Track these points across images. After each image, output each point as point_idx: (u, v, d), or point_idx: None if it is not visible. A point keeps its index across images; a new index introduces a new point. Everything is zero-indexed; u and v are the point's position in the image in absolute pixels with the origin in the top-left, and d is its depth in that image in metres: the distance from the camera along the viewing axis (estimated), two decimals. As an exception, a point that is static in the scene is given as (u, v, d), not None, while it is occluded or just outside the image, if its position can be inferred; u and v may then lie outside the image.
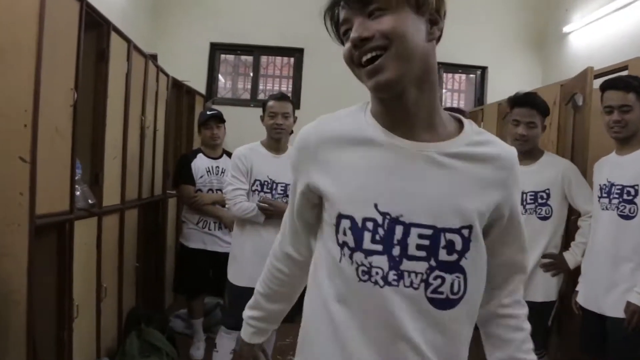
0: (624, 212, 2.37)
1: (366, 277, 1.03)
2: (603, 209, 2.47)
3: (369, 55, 1.02)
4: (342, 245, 1.06)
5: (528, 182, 2.71)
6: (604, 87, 2.46)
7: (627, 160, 2.42)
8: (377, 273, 1.03)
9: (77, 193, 2.60)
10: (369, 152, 1.07)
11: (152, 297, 4.00)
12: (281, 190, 2.90)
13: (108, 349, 3.06)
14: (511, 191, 1.12)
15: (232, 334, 2.89)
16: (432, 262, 1.03)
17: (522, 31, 6.12)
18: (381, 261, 1.03)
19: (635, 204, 2.33)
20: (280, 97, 3.02)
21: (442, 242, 1.03)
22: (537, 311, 2.35)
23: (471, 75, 6.40)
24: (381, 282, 1.03)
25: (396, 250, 1.02)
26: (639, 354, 2.27)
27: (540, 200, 2.74)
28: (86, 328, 2.78)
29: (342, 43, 1.09)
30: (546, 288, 2.73)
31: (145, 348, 3.11)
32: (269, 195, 2.88)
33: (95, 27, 2.79)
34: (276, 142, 2.97)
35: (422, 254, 1.03)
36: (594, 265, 2.51)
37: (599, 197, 2.51)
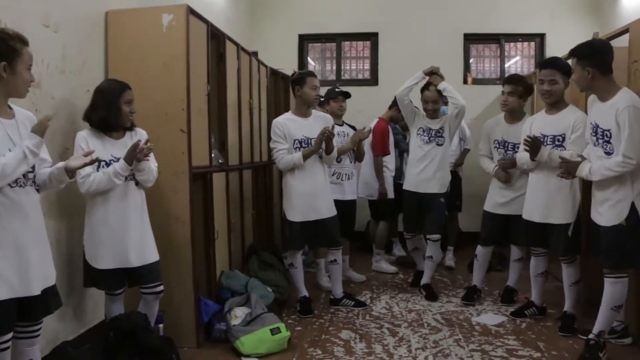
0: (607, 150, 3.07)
1: None
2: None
3: None
4: None
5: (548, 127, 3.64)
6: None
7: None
8: None
9: (212, 155, 3.79)
10: None
11: (264, 239, 5.20)
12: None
13: (236, 265, 4.28)
14: None
15: (299, 253, 4.17)
16: None
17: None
18: None
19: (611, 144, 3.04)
20: (315, 74, 4.10)
21: None
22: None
23: (532, 43, 7.08)
24: None
25: None
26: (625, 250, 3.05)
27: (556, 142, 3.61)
28: (223, 248, 4.02)
29: None
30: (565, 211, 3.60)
31: (262, 267, 4.30)
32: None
33: (215, 38, 3.94)
34: (308, 109, 4.10)
35: None
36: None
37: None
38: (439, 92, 4.39)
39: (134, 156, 2.81)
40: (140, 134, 3.04)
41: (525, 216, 3.80)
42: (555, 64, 3.62)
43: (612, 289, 3.09)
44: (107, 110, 2.86)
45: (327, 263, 4.39)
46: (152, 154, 3.03)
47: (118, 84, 2.93)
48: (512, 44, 7.17)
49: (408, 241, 4.84)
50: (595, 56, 3.05)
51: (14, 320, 2.20)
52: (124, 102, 2.88)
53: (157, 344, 2.81)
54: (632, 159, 2.89)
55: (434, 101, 4.45)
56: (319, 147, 4.00)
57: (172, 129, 3.30)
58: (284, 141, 4.01)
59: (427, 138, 4.46)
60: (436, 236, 4.49)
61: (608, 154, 3.04)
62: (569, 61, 3.33)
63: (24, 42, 2.21)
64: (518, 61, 7.29)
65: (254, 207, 4.87)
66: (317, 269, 4.93)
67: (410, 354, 3.36)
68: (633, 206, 3.01)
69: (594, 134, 3.14)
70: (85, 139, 2.84)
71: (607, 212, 3.08)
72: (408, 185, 4.61)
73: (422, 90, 4.50)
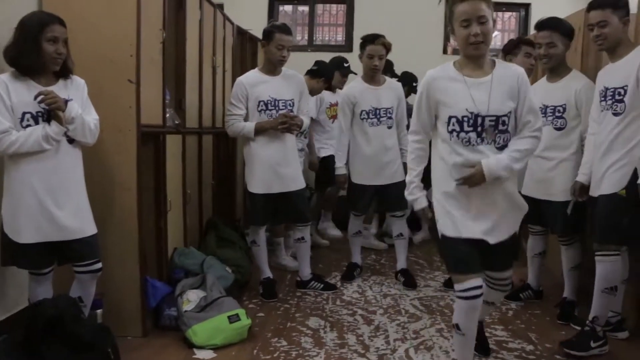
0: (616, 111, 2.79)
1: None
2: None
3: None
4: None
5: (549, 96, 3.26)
6: (587, 9, 2.90)
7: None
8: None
9: (167, 114, 3.29)
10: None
11: (225, 213, 4.71)
12: (282, 106, 3.57)
13: (192, 242, 3.80)
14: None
15: (262, 229, 3.71)
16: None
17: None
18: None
19: (624, 102, 2.75)
20: (288, 30, 3.57)
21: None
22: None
23: (515, 14, 6.71)
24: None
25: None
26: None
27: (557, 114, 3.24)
28: (176, 221, 3.53)
29: None
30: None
31: (221, 243, 3.83)
32: (273, 112, 3.56)
33: (174, -20, 3.42)
34: (275, 68, 3.62)
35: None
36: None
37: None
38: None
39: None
40: (77, 83, 2.52)
41: (523, 191, 3.44)
42: (553, 25, 3.23)
43: (601, 268, 2.79)
44: (22, 49, 2.31)
45: (294, 241, 3.95)
46: (90, 105, 2.53)
47: (42, 15, 2.39)
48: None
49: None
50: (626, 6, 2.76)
51: None
52: (45, 39, 2.32)
53: (89, 334, 2.33)
54: None
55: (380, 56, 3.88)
56: (273, 129, 3.54)
57: (117, 78, 2.78)
58: (242, 106, 3.57)
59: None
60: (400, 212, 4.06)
61: (617, 114, 2.77)
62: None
63: None
64: (497, 36, 6.92)
65: (214, 177, 4.38)
66: (277, 249, 4.50)
67: (388, 346, 2.96)
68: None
69: (602, 99, 2.88)
70: (6, 84, 2.30)
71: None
72: None
73: (366, 45, 3.90)
